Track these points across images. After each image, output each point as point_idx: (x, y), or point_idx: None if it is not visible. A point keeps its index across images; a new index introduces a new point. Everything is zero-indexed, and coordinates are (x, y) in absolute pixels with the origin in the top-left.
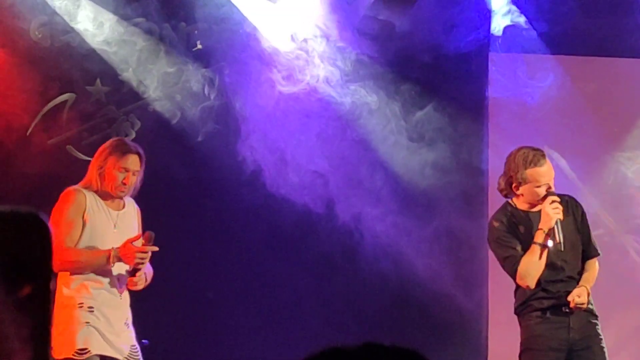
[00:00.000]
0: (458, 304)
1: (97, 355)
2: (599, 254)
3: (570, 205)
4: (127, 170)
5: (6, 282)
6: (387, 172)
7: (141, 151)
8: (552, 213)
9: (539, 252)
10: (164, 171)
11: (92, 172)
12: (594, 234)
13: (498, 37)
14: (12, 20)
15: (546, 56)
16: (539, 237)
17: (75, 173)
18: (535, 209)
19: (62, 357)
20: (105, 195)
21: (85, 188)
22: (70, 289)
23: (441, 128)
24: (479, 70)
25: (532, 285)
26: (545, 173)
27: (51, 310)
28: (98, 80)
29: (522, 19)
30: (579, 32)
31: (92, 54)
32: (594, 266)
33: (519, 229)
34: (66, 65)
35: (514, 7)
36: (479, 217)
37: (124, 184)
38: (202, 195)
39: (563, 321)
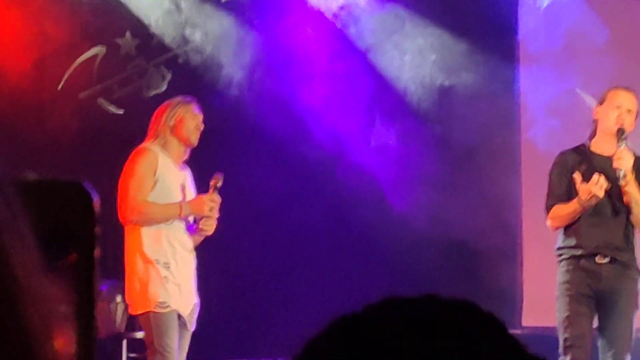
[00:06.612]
0: (491, 249)
1: (174, 310)
2: None
3: None
4: (197, 117)
5: (48, 253)
6: (418, 118)
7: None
8: (595, 190)
9: (577, 212)
10: None
11: (160, 127)
12: None
13: None
14: None
15: None
16: (583, 193)
17: (106, 126)
18: (605, 153)
19: (142, 311)
20: (173, 154)
21: (155, 145)
22: (145, 245)
23: (471, 74)
24: (508, 13)
25: (554, 229)
26: (624, 97)
27: (96, 280)
28: (128, 33)
29: None
30: None
31: (120, 7)
32: None
33: (580, 167)
34: (95, 19)
35: None
36: (512, 169)
37: (198, 129)
38: (231, 147)
39: (595, 270)
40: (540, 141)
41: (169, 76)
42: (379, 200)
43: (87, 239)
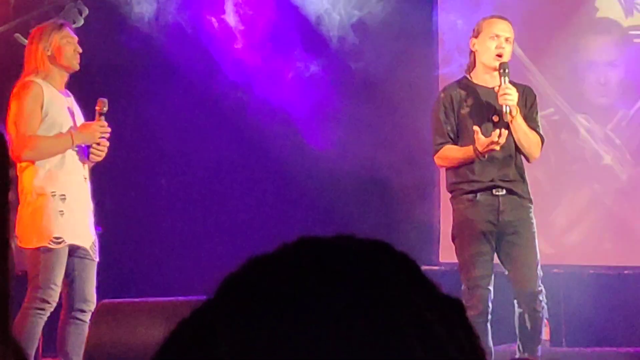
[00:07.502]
0: (408, 186)
1: (69, 244)
2: (542, 138)
3: (526, 92)
4: (73, 40)
5: None
6: (333, 53)
7: (68, 22)
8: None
9: (470, 160)
10: (111, 56)
11: (39, 58)
12: (544, 112)
13: None
14: None
15: None
16: (481, 146)
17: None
18: (488, 85)
19: (35, 245)
20: (55, 83)
21: (38, 77)
22: (40, 178)
23: (387, 6)
24: None
25: (442, 168)
26: (501, 25)
27: (10, 220)
28: None
29: None
30: None
31: None
32: (534, 133)
33: (466, 102)
34: None
35: None
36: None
37: (77, 52)
38: (143, 85)
39: (493, 204)
40: (455, 77)
41: (86, 11)
42: (293, 137)
43: (0, 181)
